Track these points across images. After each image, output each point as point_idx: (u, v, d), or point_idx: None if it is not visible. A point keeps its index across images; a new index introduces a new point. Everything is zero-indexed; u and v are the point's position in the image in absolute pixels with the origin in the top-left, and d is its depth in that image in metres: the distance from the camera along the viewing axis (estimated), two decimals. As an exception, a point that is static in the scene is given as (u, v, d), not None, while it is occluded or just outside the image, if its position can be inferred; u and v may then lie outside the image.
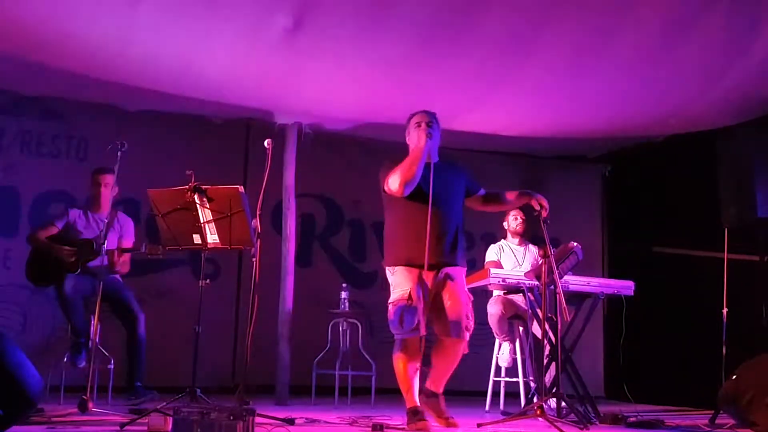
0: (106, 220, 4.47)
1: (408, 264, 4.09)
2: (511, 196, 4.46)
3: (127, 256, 5.29)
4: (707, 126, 6.22)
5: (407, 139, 4.31)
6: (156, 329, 5.36)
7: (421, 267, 4.03)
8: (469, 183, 4.40)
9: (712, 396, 4.53)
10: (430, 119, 4.22)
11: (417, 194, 4.08)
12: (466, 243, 4.33)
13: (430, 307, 4.12)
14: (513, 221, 5.86)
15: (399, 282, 4.09)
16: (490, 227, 7.09)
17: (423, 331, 4.03)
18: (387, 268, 4.23)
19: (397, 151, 4.28)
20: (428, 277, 4.09)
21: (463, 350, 4.15)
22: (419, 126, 4.20)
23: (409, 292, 4.01)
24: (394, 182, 4.07)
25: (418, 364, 4.07)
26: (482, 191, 4.45)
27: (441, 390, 4.26)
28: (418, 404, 4.09)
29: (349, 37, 4.99)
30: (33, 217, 6.29)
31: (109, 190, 5.23)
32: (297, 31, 4.82)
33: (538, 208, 4.28)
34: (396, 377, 4.11)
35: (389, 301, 4.11)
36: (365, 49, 5.14)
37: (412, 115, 4.30)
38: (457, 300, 4.11)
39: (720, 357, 5.12)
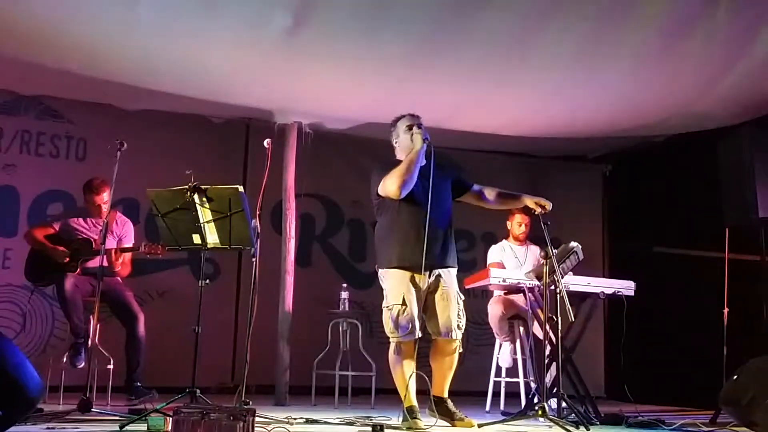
0: (106, 220, 4.46)
1: (401, 267, 4.14)
2: (511, 198, 4.51)
3: (128, 258, 5.28)
4: (707, 126, 6.22)
5: (394, 141, 4.37)
6: (156, 329, 5.35)
7: (413, 270, 4.10)
8: (457, 182, 4.42)
9: (713, 396, 4.52)
10: (420, 122, 4.26)
11: (408, 198, 4.13)
12: (456, 243, 4.37)
13: (423, 308, 4.18)
14: (517, 227, 5.88)
15: (393, 286, 4.16)
16: (490, 227, 7.09)
17: (418, 334, 4.11)
18: (380, 270, 4.28)
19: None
20: (421, 279, 4.14)
21: (458, 349, 4.23)
22: (410, 129, 4.24)
23: (403, 297, 4.08)
24: (392, 184, 4.10)
25: (413, 365, 4.12)
26: (475, 187, 4.47)
27: (445, 394, 4.29)
28: (415, 404, 4.13)
29: (349, 36, 4.99)
30: (32, 216, 6.28)
31: (106, 202, 5.21)
32: (297, 30, 4.82)
33: (538, 210, 4.35)
34: (393, 379, 4.21)
35: (384, 305, 4.19)
36: (365, 49, 5.14)
37: (398, 118, 4.37)
38: (448, 301, 4.18)
39: (720, 357, 5.10)
